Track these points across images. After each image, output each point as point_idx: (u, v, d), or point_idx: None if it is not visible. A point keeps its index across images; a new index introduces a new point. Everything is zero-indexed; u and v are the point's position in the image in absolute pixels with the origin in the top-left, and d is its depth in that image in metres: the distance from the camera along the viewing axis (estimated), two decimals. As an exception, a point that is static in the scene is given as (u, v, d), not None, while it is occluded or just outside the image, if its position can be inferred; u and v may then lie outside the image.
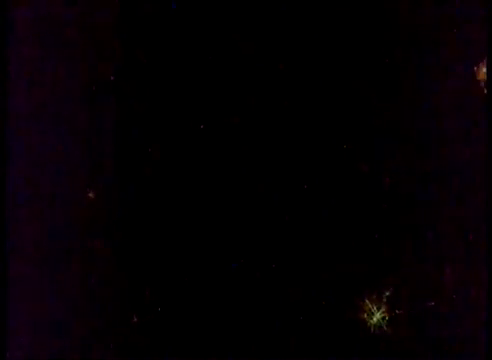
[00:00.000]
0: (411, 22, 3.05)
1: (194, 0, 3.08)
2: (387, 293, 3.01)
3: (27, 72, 3.11)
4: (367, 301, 3.01)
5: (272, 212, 3.05)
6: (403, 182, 3.01)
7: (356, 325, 3.01)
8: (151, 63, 3.11)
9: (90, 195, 3.08)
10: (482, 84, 3.02)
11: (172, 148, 3.10)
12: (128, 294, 3.05)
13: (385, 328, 3.00)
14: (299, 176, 3.05)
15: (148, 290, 3.04)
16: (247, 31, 3.07)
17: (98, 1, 3.11)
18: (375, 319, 3.01)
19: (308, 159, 3.05)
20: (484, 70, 3.02)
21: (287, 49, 3.07)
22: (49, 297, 3.05)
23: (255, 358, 3.01)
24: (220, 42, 3.07)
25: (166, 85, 3.11)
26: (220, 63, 3.07)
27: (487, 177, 2.94)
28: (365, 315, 3.02)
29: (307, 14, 3.06)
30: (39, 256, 3.06)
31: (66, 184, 3.08)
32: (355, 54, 3.05)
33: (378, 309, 3.01)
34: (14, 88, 3.09)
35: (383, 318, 3.01)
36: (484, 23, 3.02)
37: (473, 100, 3.03)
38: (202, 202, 3.07)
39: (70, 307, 3.04)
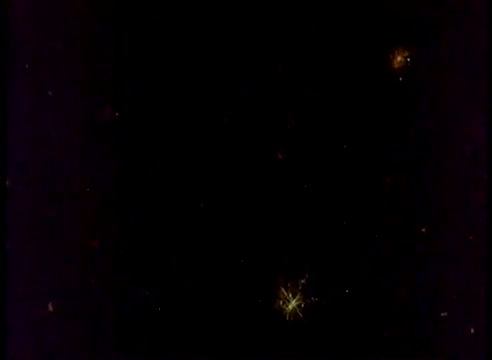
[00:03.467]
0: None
1: (194, 0, 3.04)
2: (303, 281, 3.01)
3: (27, 72, 3.05)
4: (282, 289, 3.01)
5: (272, 212, 3.03)
6: (403, 182, 3.01)
7: (272, 313, 3.01)
8: (151, 62, 3.05)
9: (90, 195, 3.03)
10: (397, 72, 3.04)
11: (173, 147, 3.05)
12: (128, 294, 3.01)
13: (301, 315, 3.01)
14: (299, 176, 3.03)
15: (148, 290, 3.00)
16: (247, 31, 3.03)
17: (98, 1, 3.06)
18: (291, 307, 3.01)
19: (308, 159, 3.03)
20: (399, 59, 3.05)
21: (286, 49, 3.04)
22: (49, 297, 3.00)
23: (254, 358, 3.00)
24: (220, 42, 3.03)
25: (166, 85, 3.05)
26: (220, 63, 3.03)
27: (487, 178, 2.97)
28: (281, 303, 3.02)
29: (307, 13, 3.03)
30: (39, 256, 3.01)
31: (66, 183, 3.03)
32: (349, 54, 3.05)
33: (294, 297, 3.01)
34: (14, 88, 3.05)
35: (299, 305, 3.01)
36: (403, 12, 3.05)
37: (388, 88, 3.05)
38: (202, 202, 3.03)
39: (70, 307, 3.00)
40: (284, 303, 3.01)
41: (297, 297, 3.01)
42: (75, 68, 3.07)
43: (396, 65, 3.04)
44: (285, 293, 3.01)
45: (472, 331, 2.99)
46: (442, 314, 2.99)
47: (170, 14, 3.06)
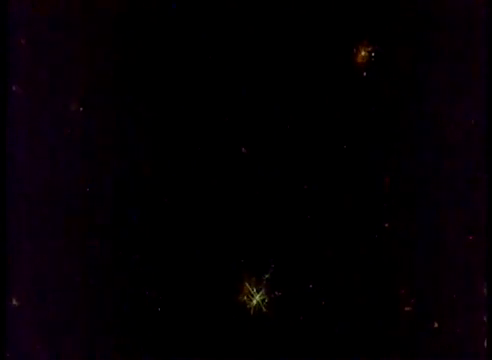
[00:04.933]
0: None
1: (194, 0, 3.03)
2: (267, 275, 3.02)
3: (27, 72, 3.05)
4: (247, 283, 3.02)
5: (272, 212, 3.03)
6: (403, 182, 3.00)
7: (235, 307, 3.01)
8: (151, 63, 3.05)
9: (90, 195, 3.03)
10: (361, 67, 3.05)
11: (172, 147, 3.04)
12: (128, 294, 3.00)
13: (265, 310, 3.01)
14: (299, 176, 3.03)
15: (148, 290, 3.00)
16: (247, 31, 3.03)
17: (98, 1, 3.05)
18: (255, 301, 3.02)
19: (308, 159, 3.03)
20: (363, 53, 3.05)
21: (287, 49, 3.03)
22: (48, 297, 3.00)
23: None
24: (220, 42, 3.03)
25: (166, 85, 3.05)
26: (220, 63, 3.03)
27: (487, 177, 2.96)
28: (245, 297, 3.02)
29: (308, 12, 3.02)
30: (39, 256, 3.01)
31: (66, 183, 3.03)
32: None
33: (258, 291, 3.02)
34: (14, 88, 3.04)
35: (263, 300, 3.02)
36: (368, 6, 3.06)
37: (351, 84, 3.06)
38: (202, 203, 3.03)
39: (70, 307, 3.00)
40: (248, 298, 3.02)
41: (261, 292, 3.02)
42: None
43: (360, 60, 3.04)
44: (249, 288, 3.02)
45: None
46: (406, 309, 3.00)
47: (170, 14, 3.04)
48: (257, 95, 3.05)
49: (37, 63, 3.06)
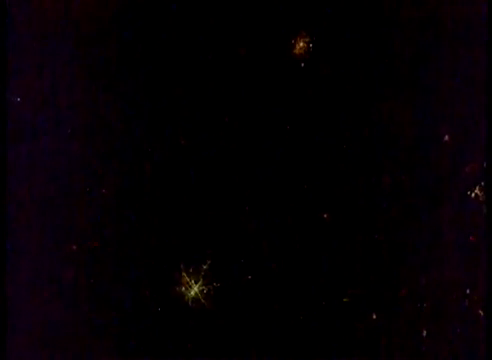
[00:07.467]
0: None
1: (194, 0, 3.08)
2: (205, 266, 3.02)
3: (27, 71, 3.10)
4: (185, 274, 3.02)
5: (209, 203, 3.05)
6: (403, 182, 3.01)
7: (173, 298, 3.02)
8: (151, 63, 3.10)
9: (90, 194, 3.08)
10: (299, 58, 3.04)
11: (171, 147, 3.09)
12: (128, 294, 3.04)
13: (203, 301, 3.01)
14: (299, 176, 3.05)
15: (148, 290, 3.03)
16: (247, 31, 3.07)
17: (98, 1, 3.11)
18: (193, 292, 3.02)
19: (308, 159, 3.05)
20: (301, 44, 3.04)
21: (286, 49, 3.06)
22: (49, 297, 3.04)
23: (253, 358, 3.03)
24: (220, 42, 3.07)
25: (166, 85, 3.10)
26: (220, 63, 3.07)
27: (487, 177, 2.96)
28: (183, 288, 3.02)
29: (307, 13, 3.06)
30: (39, 256, 3.06)
31: (66, 184, 3.08)
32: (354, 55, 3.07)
33: (196, 282, 3.01)
34: (14, 88, 3.09)
35: (201, 291, 3.01)
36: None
37: (290, 74, 3.05)
38: (202, 202, 3.06)
39: (70, 307, 3.04)
40: (186, 289, 3.02)
41: (199, 283, 3.01)
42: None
43: (298, 51, 3.04)
44: (187, 279, 3.02)
45: (374, 317, 2.97)
46: (344, 299, 2.97)
47: (170, 14, 3.08)
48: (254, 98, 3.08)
49: (37, 68, 3.11)
